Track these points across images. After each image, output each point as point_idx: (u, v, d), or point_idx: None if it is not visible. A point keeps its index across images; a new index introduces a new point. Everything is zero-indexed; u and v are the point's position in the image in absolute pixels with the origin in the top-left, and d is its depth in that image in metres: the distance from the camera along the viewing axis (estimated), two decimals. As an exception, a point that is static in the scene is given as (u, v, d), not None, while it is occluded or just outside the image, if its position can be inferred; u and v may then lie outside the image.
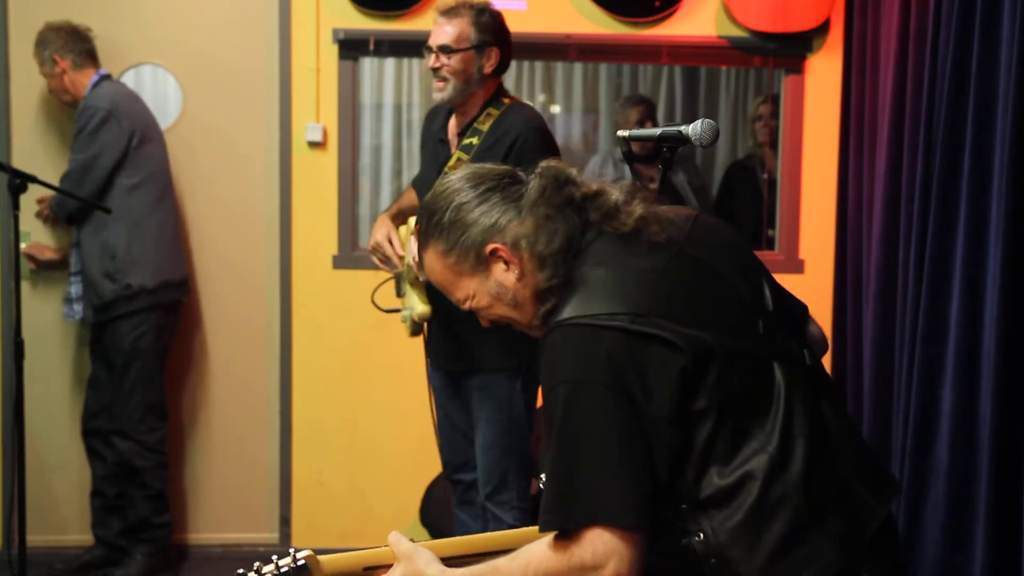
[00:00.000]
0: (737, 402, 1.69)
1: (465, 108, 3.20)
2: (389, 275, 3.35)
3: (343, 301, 4.35)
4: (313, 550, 1.83)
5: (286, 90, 4.30)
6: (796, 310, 1.94)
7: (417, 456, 4.22)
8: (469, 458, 3.32)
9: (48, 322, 4.30)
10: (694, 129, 2.24)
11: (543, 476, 1.73)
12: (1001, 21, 2.95)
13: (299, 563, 1.77)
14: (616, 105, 5.23)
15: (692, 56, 4.53)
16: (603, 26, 4.32)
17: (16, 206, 3.50)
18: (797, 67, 4.39)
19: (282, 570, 1.76)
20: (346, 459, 4.42)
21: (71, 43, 4.01)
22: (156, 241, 4.05)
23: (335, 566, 1.83)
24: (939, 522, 3.16)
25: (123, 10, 4.27)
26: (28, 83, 4.20)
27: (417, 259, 2.06)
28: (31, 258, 4.20)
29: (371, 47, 4.30)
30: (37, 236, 4.27)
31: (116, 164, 3.96)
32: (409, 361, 4.25)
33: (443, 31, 3.13)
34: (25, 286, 4.08)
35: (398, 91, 4.88)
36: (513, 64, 5.06)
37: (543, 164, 1.86)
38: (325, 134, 4.32)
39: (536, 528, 1.73)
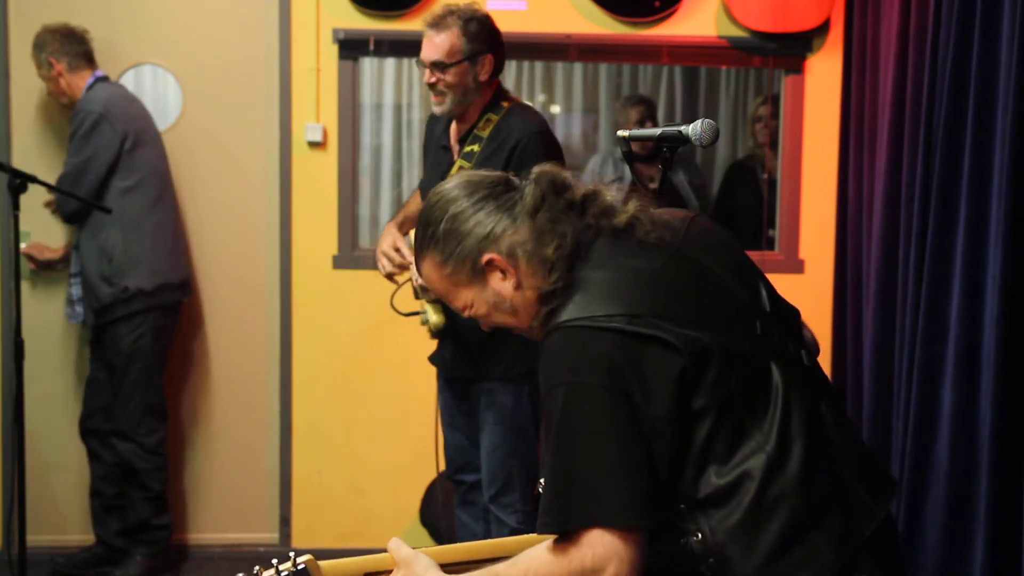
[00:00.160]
0: (735, 402, 1.69)
1: (465, 115, 3.18)
2: (406, 278, 3.30)
3: (343, 301, 4.36)
4: (313, 552, 1.83)
5: (286, 90, 4.30)
6: (789, 313, 1.94)
7: (417, 456, 4.22)
8: (471, 459, 3.32)
9: (48, 322, 4.31)
10: (694, 129, 2.24)
11: (543, 479, 1.73)
12: (1001, 21, 2.94)
13: (299, 567, 1.77)
14: (616, 105, 5.23)
15: (692, 56, 4.53)
16: (603, 26, 4.32)
17: (16, 206, 3.50)
18: (797, 67, 4.39)
19: (282, 574, 1.76)
20: (346, 459, 4.42)
21: (67, 45, 4.01)
22: (153, 243, 4.05)
23: (335, 571, 1.82)
24: (939, 522, 3.16)
25: (123, 10, 4.27)
26: (28, 83, 4.20)
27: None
28: (31, 258, 4.20)
29: (371, 47, 4.30)
30: (37, 236, 4.27)
31: (110, 167, 3.95)
32: (409, 361, 4.26)
33: (433, 45, 3.09)
34: (25, 286, 4.08)
35: (398, 91, 4.88)
36: (513, 64, 5.07)
37: (536, 170, 1.86)
38: (325, 134, 4.32)
39: (536, 535, 1.73)
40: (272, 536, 4.46)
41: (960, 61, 3.13)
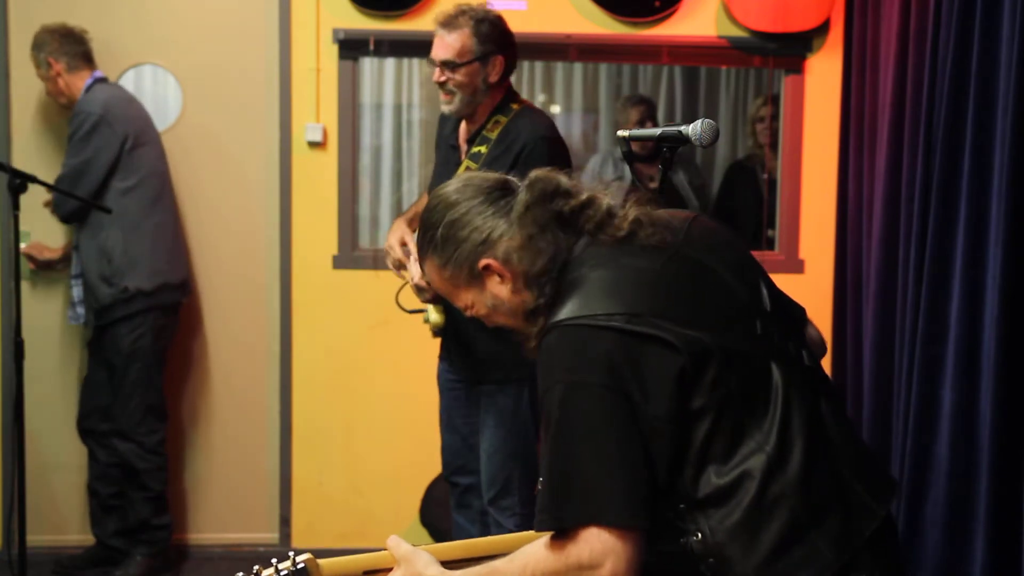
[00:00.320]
0: (735, 402, 1.69)
1: (474, 116, 3.17)
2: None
3: (343, 301, 4.36)
4: (313, 552, 1.83)
5: (286, 90, 4.30)
6: (794, 312, 1.94)
7: (417, 457, 4.22)
8: (466, 462, 3.31)
9: (48, 322, 4.31)
10: (694, 129, 2.24)
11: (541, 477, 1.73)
12: (1001, 21, 2.94)
13: (299, 566, 1.77)
14: (616, 105, 5.24)
15: (692, 56, 4.53)
16: (603, 26, 4.32)
17: (16, 206, 3.50)
18: (797, 67, 4.39)
19: (281, 573, 1.76)
20: (346, 459, 4.42)
21: (65, 45, 4.01)
22: (153, 243, 4.05)
23: (334, 569, 1.82)
24: (939, 522, 3.16)
25: (123, 10, 4.27)
26: (28, 83, 4.20)
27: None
28: (31, 258, 4.20)
29: (371, 47, 4.30)
30: (37, 236, 4.27)
31: (109, 168, 3.95)
32: (409, 362, 4.26)
33: (445, 45, 3.07)
34: (25, 286, 4.08)
35: (398, 91, 4.88)
36: (513, 64, 5.02)
37: (532, 175, 1.86)
38: (325, 134, 4.32)
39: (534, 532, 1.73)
40: (272, 536, 4.46)
41: (960, 61, 3.13)
